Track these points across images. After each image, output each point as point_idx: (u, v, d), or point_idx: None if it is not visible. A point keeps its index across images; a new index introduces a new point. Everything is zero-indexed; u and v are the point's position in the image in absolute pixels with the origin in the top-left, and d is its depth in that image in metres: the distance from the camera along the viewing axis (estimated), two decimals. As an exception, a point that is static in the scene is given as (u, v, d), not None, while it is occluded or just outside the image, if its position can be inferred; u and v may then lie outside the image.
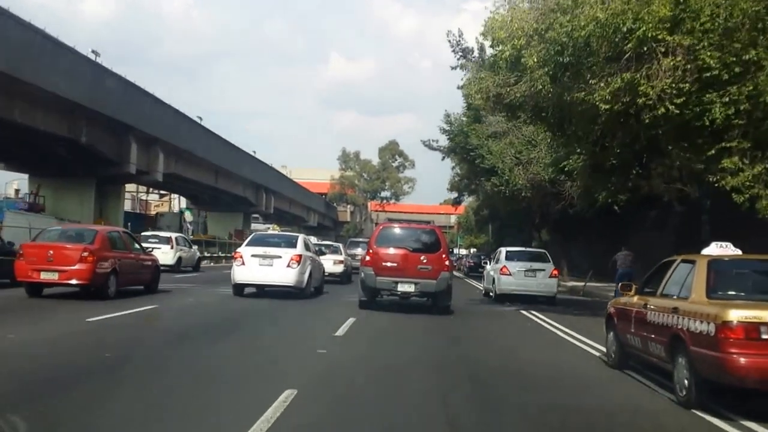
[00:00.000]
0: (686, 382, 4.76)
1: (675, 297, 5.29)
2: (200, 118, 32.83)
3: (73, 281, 9.77)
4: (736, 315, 4.36)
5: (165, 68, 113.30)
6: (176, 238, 20.65)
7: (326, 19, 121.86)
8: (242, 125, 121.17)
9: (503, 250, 15.99)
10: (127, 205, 39.91)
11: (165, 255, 18.31)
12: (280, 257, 11.33)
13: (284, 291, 11.60)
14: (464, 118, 22.60)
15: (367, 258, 10.54)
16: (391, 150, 69.34)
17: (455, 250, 51.60)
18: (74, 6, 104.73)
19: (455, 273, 27.21)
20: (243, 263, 11.50)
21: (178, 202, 46.61)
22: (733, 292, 5.03)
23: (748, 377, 4.36)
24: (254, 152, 41.53)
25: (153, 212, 41.79)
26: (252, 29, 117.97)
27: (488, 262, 17.87)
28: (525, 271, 14.47)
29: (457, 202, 36.86)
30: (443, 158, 26.99)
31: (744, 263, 5.56)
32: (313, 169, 71.66)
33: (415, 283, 10.16)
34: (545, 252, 15.82)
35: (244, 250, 11.77)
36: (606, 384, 5.69)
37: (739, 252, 5.59)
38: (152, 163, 27.87)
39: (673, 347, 5.00)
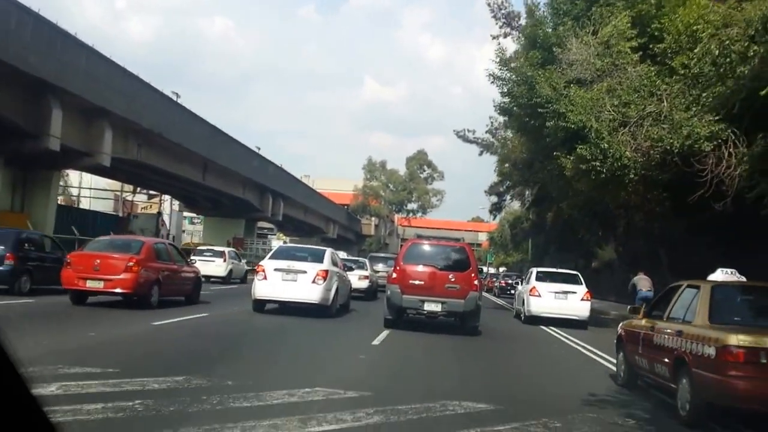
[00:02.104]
0: (688, 403, 5.20)
1: (680, 321, 5.80)
2: (177, 95, 27.17)
3: (118, 290, 10.63)
4: (736, 340, 4.79)
5: (202, 88, 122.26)
6: (228, 252, 23.59)
7: (361, 47, 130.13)
8: (277, 144, 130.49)
9: (534, 270, 16.35)
10: (108, 205, 39.04)
11: (218, 267, 21.71)
12: (305, 272, 11.47)
13: (308, 308, 11.69)
14: (526, 63, 15.24)
15: (394, 275, 10.90)
16: (419, 160, 69.65)
17: (484, 269, 51.57)
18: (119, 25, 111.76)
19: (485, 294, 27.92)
20: (265, 277, 11.53)
21: (170, 205, 43.36)
22: (735, 318, 5.54)
23: (747, 399, 4.76)
24: (258, 148, 37.62)
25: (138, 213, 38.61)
26: (288, 52, 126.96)
27: (520, 282, 18.35)
28: (555, 293, 14.69)
29: (496, 209, 33.47)
30: (481, 153, 26.29)
31: (746, 290, 6.09)
32: (336, 179, 72.17)
33: (443, 303, 10.47)
34: (578, 274, 16.09)
35: (267, 264, 11.92)
36: (611, 402, 6.21)
37: (743, 279, 6.14)
38: (94, 142, 21.09)
39: (676, 369, 5.47)
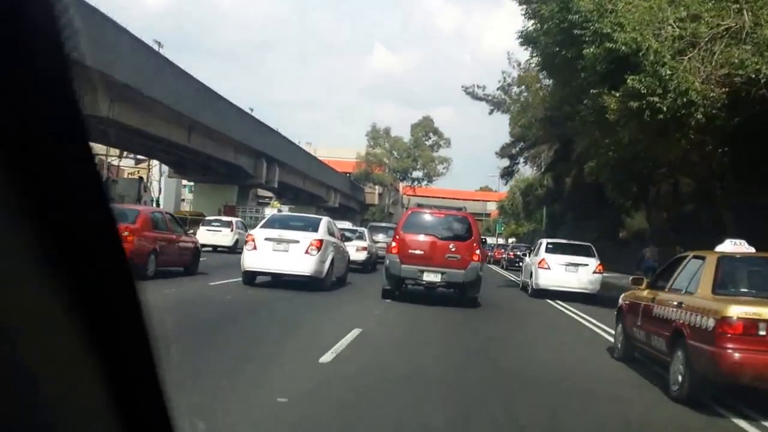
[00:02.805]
0: (680, 377, 5.18)
1: (682, 292, 5.80)
2: (159, 44, 25.22)
3: None
4: (736, 311, 4.76)
5: (216, 56, 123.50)
6: (236, 222, 24.15)
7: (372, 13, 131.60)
8: (288, 115, 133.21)
9: (544, 241, 16.12)
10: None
11: (225, 237, 22.54)
12: (297, 242, 11.15)
13: (301, 281, 11.43)
14: None
15: (393, 244, 10.92)
16: (424, 127, 68.45)
17: (492, 240, 50.54)
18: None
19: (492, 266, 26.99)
20: (254, 247, 11.23)
21: (159, 170, 42.10)
22: (739, 289, 5.55)
23: (741, 373, 4.73)
24: (251, 110, 35.95)
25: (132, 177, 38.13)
26: (300, 20, 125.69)
27: (528, 254, 17.94)
28: (566, 265, 14.49)
29: (507, 173, 31.56)
30: (491, 111, 24.79)
31: (755, 261, 6.04)
32: (339, 148, 71.30)
33: (442, 273, 10.49)
34: (590, 245, 15.75)
35: (258, 233, 11.63)
36: (605, 376, 6.38)
37: (752, 250, 6.07)
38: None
39: (673, 341, 5.46)
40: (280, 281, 11.84)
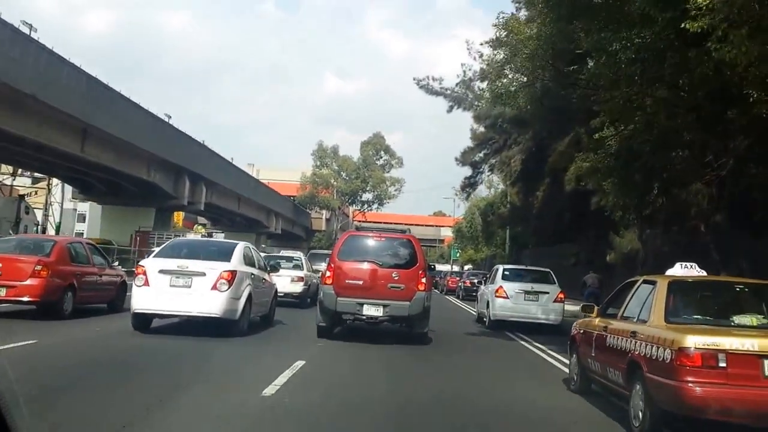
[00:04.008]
0: (641, 412, 5.18)
1: (635, 320, 5.80)
2: (30, 26, 20.92)
3: (25, 298, 10.25)
4: (693, 341, 4.78)
5: (163, 82, 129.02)
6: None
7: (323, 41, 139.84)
8: (235, 139, 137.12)
9: (500, 267, 15.98)
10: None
11: None
12: (203, 274, 9.62)
13: (210, 323, 9.84)
14: None
15: (328, 274, 10.35)
16: (375, 145, 67.71)
17: (447, 267, 48.92)
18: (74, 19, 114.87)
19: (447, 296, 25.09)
20: (146, 282, 9.64)
21: (62, 190, 39.07)
22: (693, 316, 5.54)
23: (705, 407, 4.72)
24: (169, 117, 32.20)
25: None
26: (249, 48, 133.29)
27: (483, 281, 17.76)
28: (525, 293, 14.36)
29: (469, 185, 28.19)
30: (450, 109, 21.91)
31: (707, 285, 6.14)
32: (283, 169, 70.30)
33: (384, 306, 10.03)
34: (549, 271, 15.60)
35: (150, 264, 9.96)
36: (561, 411, 6.35)
37: (703, 273, 6.08)
38: None
39: (630, 373, 5.47)
40: (184, 324, 10.21)
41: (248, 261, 10.72)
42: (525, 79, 11.40)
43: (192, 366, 7.42)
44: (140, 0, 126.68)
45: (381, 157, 66.54)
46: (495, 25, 11.93)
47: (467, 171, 27.83)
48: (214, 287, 9.49)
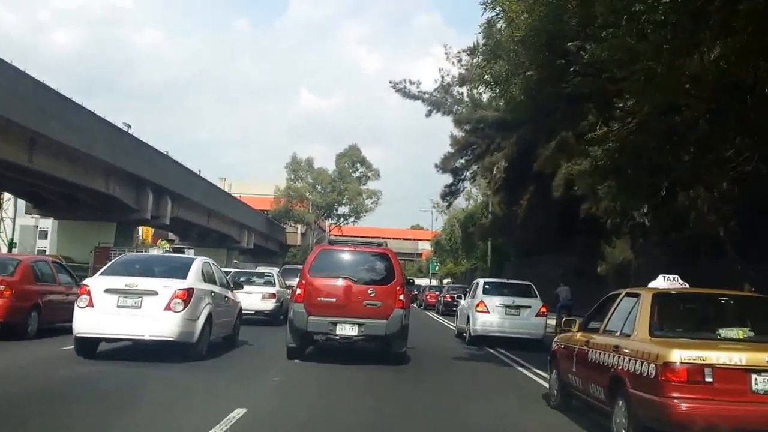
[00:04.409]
0: (624, 429, 5.17)
1: (617, 334, 5.80)
2: None
3: None
4: (679, 355, 4.74)
5: (136, 98, 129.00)
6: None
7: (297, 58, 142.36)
8: (209, 155, 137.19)
9: (480, 281, 15.91)
10: None
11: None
12: (155, 293, 8.99)
13: (166, 347, 9.20)
14: None
15: (298, 291, 9.94)
16: (351, 157, 67.16)
17: (425, 281, 48.23)
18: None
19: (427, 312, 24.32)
20: (90, 303, 8.94)
21: (14, 205, 37.87)
22: (678, 330, 5.52)
23: (690, 424, 4.65)
24: (128, 126, 31.12)
25: None
26: (223, 64, 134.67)
27: (463, 296, 17.49)
28: (506, 307, 14.26)
29: (450, 193, 26.79)
30: (429, 113, 21.07)
31: (691, 298, 6.10)
32: (257, 183, 69.45)
33: (360, 324, 9.67)
34: (531, 285, 15.51)
35: (95, 283, 9.30)
36: (541, 427, 6.46)
37: (686, 285, 6.04)
38: None
39: (612, 389, 5.48)
40: (137, 348, 9.59)
41: (207, 278, 10.08)
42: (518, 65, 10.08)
43: (120, 403, 6.54)
44: (110, 16, 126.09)
45: (357, 170, 66.05)
46: (482, 4, 10.45)
47: (448, 179, 26.82)
48: (168, 307, 8.83)
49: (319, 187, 65.89)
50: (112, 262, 10.45)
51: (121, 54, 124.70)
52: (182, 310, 8.84)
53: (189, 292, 9.02)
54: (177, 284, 9.04)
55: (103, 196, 30.08)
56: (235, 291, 11.58)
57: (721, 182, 10.52)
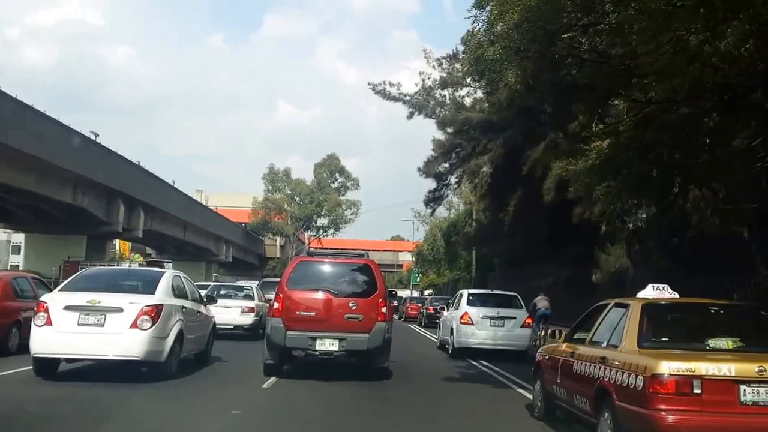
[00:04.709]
0: None
1: (604, 345, 5.77)
2: None
3: None
4: (667, 367, 4.71)
5: (112, 114, 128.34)
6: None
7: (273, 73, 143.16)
8: (187, 169, 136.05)
9: (465, 292, 15.72)
10: None
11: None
12: (120, 310, 8.52)
13: (133, 366, 8.76)
14: None
15: (276, 305, 9.64)
16: (329, 166, 66.52)
17: (406, 292, 47.68)
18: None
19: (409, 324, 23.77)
20: (48, 321, 8.48)
21: None
22: (668, 341, 5.47)
23: None
24: (96, 135, 29.71)
25: None
26: (199, 79, 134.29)
27: (446, 307, 17.35)
28: (491, 318, 14.11)
29: (434, 199, 25.60)
30: (410, 115, 20.00)
31: (681, 308, 6.07)
32: (235, 195, 68.68)
33: (341, 339, 9.44)
34: (516, 295, 15.40)
35: (53, 299, 8.82)
36: None
37: (675, 295, 6.03)
38: None
39: (598, 402, 5.45)
40: (102, 367, 9.07)
41: (178, 292, 9.65)
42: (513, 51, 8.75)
43: (76, 429, 6.18)
44: (83, 33, 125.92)
45: (336, 180, 65.43)
46: None
47: (431, 184, 25.34)
48: (134, 325, 8.37)
49: (297, 198, 65.25)
50: (73, 276, 9.94)
51: (94, 70, 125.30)
52: (150, 327, 8.40)
53: (158, 308, 8.59)
54: (144, 300, 8.61)
55: (72, 208, 29.01)
56: (208, 305, 11.18)
57: (737, 180, 9.61)
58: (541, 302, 17.32)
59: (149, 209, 36.21)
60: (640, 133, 9.37)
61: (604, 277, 15.96)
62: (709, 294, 7.17)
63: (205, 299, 11.25)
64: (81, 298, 8.50)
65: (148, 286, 9.15)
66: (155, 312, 8.52)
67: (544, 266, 21.12)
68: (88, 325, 8.30)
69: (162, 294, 8.99)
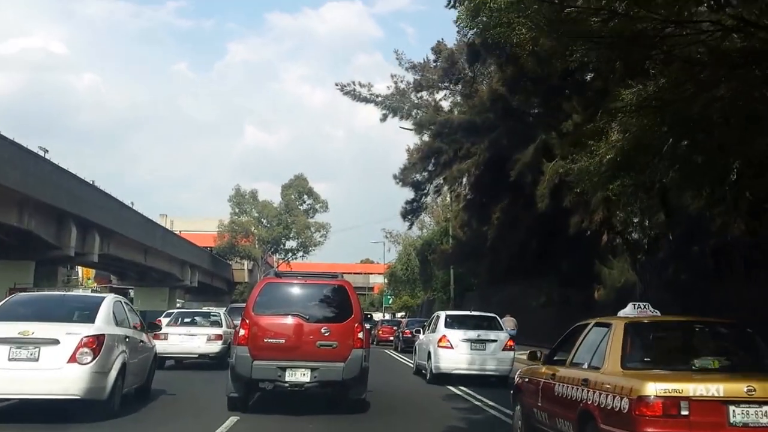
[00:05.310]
0: None
1: (585, 366, 5.70)
2: None
3: None
4: (653, 389, 4.68)
5: (76, 141, 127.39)
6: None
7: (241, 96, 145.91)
8: (151, 194, 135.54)
9: (442, 314, 15.25)
10: None
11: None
12: (55, 343, 7.75)
13: (68, 406, 7.98)
14: None
15: (242, 332, 9.03)
16: (297, 188, 65.78)
17: (379, 315, 46.84)
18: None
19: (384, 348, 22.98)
20: None
21: None
22: (652, 361, 5.40)
23: None
24: (46, 151, 27.65)
25: None
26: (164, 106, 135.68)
27: (422, 330, 16.82)
28: (471, 341, 13.66)
29: (412, 211, 24.15)
30: (384, 117, 19.40)
31: (665, 326, 6.00)
32: (201, 219, 67.73)
33: (313, 369, 8.85)
34: (495, 317, 15.10)
35: None
36: None
37: (657, 313, 5.92)
38: None
39: (582, 425, 5.39)
40: (35, 406, 8.23)
41: (119, 320, 8.93)
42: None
43: None
44: (46, 62, 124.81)
45: (304, 202, 64.70)
46: None
47: (408, 194, 23.91)
48: (73, 359, 7.64)
49: (264, 221, 64.21)
50: (2, 303, 8.99)
51: (57, 97, 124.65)
52: (91, 361, 7.65)
53: (99, 339, 7.84)
54: (83, 330, 7.86)
55: (18, 231, 26.74)
56: (149, 333, 10.40)
57: None
58: (508, 322, 16.99)
59: (105, 232, 34.37)
60: (685, 105, 7.23)
61: (609, 294, 14.52)
62: (739, 312, 6.67)
63: (146, 326, 10.47)
64: (12, 329, 7.69)
65: (87, 313, 8.43)
66: (96, 343, 7.78)
67: (534, 282, 19.69)
68: (20, 360, 7.50)
69: (102, 322, 8.27)
